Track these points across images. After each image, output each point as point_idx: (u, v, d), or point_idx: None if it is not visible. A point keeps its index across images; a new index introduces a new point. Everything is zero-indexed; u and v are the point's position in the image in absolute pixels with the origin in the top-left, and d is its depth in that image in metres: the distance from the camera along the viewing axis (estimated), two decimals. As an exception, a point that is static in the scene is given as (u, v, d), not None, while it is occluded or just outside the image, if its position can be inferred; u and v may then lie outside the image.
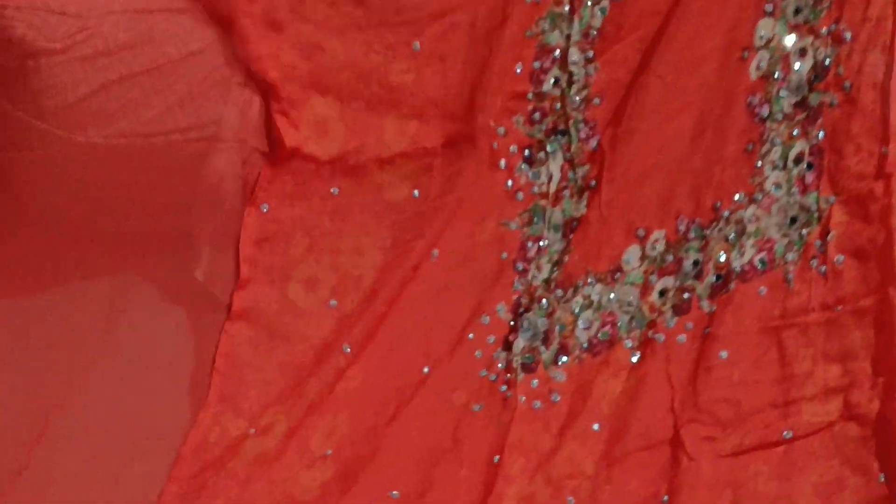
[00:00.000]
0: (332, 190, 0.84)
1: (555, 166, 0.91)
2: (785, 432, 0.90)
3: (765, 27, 0.90)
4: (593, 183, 0.91)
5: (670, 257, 0.92)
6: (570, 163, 0.91)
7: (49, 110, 0.72)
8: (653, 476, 0.91)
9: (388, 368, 0.88)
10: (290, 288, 0.85)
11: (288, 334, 0.85)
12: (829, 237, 0.91)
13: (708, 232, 0.92)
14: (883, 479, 0.88)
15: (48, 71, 0.71)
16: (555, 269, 0.91)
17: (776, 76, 0.91)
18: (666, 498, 0.91)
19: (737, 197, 0.91)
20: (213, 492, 0.85)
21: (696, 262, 0.92)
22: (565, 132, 0.90)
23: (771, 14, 0.90)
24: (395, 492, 0.89)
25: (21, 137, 0.73)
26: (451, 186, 0.88)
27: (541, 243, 0.91)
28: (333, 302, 0.86)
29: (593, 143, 0.90)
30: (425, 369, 0.89)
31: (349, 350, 0.86)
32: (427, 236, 0.88)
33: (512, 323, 0.92)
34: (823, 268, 0.91)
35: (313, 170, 0.84)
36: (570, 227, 0.92)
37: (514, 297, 0.92)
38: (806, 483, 0.90)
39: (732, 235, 0.92)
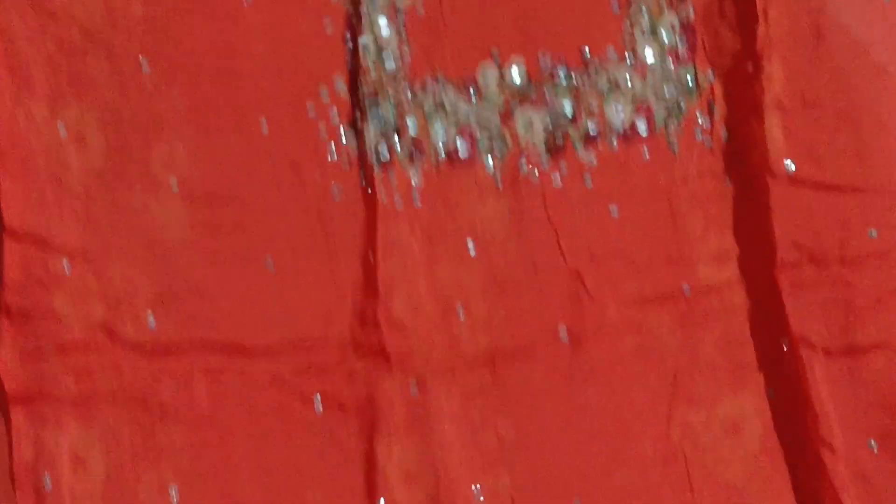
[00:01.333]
0: None
1: None
2: (684, 286, 0.91)
3: None
4: None
5: (533, 92, 0.92)
6: None
7: None
8: (549, 305, 0.90)
9: (206, 99, 0.87)
10: None
11: (52, 9, 0.84)
12: (714, 113, 0.92)
13: (578, 79, 0.92)
14: (786, 348, 0.90)
15: None
16: (394, 61, 0.90)
17: None
18: (564, 328, 0.90)
19: (609, 52, 0.92)
20: (51, 194, 0.83)
21: (570, 109, 0.92)
22: None
23: None
24: (270, 261, 0.88)
25: None
26: None
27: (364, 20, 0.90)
28: None
29: None
30: (263, 127, 0.89)
31: (148, 70, 0.86)
32: None
33: (357, 106, 0.90)
34: (709, 140, 0.92)
35: None
36: (395, 14, 0.90)
37: (350, 73, 0.90)
38: (707, 337, 0.91)
39: (606, 88, 0.92)
